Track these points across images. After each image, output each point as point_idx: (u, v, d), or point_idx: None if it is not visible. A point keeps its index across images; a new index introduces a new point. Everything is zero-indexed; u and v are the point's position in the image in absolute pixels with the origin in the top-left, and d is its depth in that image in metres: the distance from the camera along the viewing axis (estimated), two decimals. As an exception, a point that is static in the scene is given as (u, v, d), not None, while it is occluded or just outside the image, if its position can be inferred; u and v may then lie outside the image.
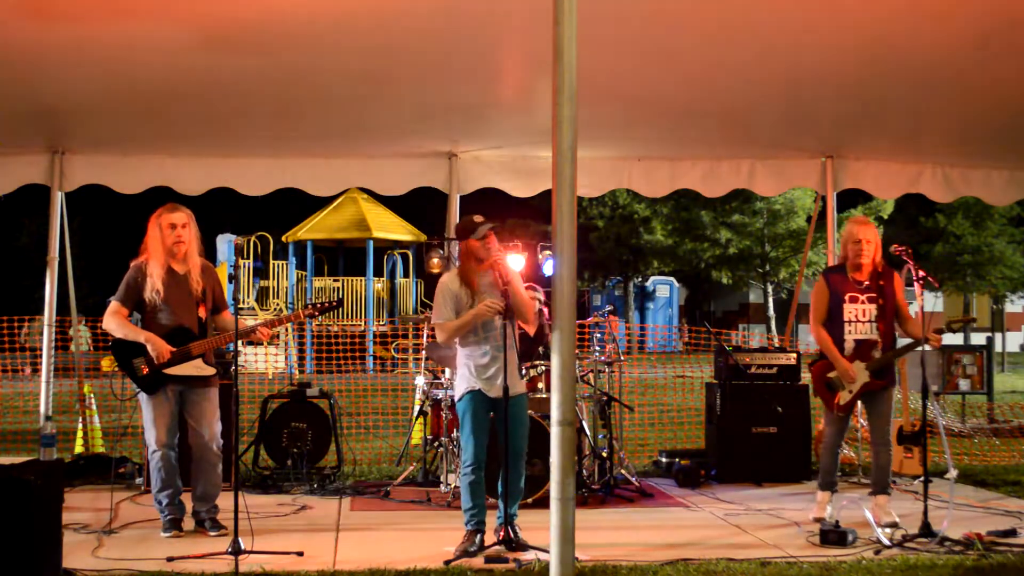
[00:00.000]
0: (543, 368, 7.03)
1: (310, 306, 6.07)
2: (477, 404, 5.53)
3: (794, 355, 8.06)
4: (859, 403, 6.51)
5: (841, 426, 6.42)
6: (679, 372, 14.44)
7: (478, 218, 5.57)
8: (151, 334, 5.80)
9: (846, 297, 6.31)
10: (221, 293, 6.16)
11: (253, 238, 22.75)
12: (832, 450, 6.44)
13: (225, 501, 5.74)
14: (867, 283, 6.29)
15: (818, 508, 6.35)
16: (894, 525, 5.89)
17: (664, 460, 8.15)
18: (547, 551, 4.24)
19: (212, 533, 5.82)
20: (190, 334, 5.91)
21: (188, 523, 5.95)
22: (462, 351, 5.63)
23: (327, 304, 6.13)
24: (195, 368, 5.88)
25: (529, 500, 6.42)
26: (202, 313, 5.97)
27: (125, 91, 6.44)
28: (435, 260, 7.71)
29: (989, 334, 29.17)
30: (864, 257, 6.28)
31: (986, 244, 27.83)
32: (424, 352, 7.75)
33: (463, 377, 5.59)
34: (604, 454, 7.29)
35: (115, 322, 5.88)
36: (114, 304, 5.91)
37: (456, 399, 5.65)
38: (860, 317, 6.29)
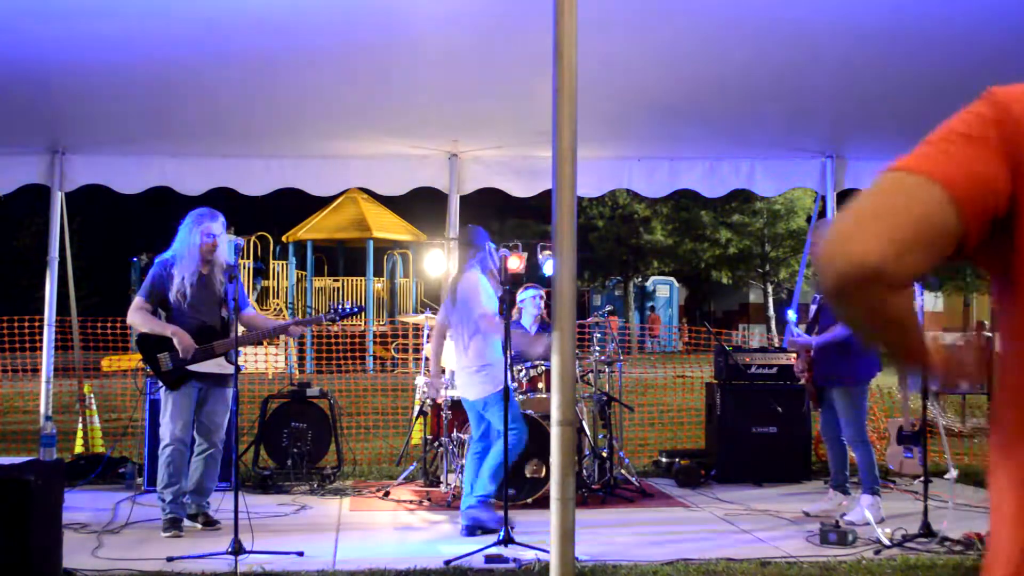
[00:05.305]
0: (543, 368, 7.04)
1: (333, 311, 6.13)
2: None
3: (794, 355, 8.05)
4: None
5: (823, 419, 6.63)
6: (679, 372, 14.42)
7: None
8: (177, 328, 5.85)
9: (817, 297, 6.61)
10: (243, 291, 6.21)
11: (253, 238, 22.74)
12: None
13: (225, 501, 5.75)
14: None
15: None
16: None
17: (664, 460, 8.15)
18: (547, 551, 4.24)
19: (204, 527, 5.90)
20: (214, 332, 5.95)
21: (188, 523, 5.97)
22: (495, 348, 5.88)
23: (349, 310, 6.22)
24: (217, 366, 5.93)
25: (529, 500, 6.43)
26: (224, 312, 6.02)
27: (125, 91, 6.44)
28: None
29: (989, 334, 29.14)
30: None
31: (986, 244, 27.81)
32: (424, 353, 7.74)
33: (501, 372, 5.73)
34: (604, 454, 7.29)
35: (140, 317, 5.93)
36: (138, 299, 5.97)
37: (500, 389, 5.73)
38: (810, 317, 6.52)
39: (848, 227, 1.28)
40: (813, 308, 6.52)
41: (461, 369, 6.04)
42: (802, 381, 6.65)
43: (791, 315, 6.55)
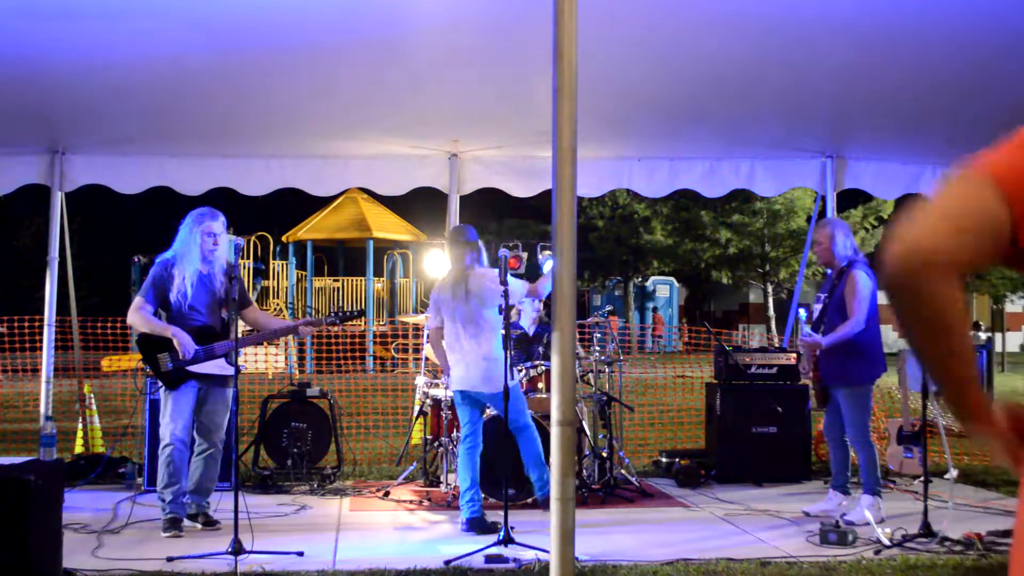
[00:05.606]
0: (543, 368, 7.03)
1: (334, 315, 6.14)
2: None
3: (794, 355, 8.05)
4: None
5: (827, 419, 6.59)
6: (679, 372, 14.43)
7: None
8: (177, 329, 5.85)
9: (821, 296, 6.54)
10: (243, 289, 6.20)
11: (253, 238, 22.75)
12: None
13: (225, 501, 5.75)
14: (831, 283, 6.44)
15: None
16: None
17: (664, 460, 8.15)
18: (547, 551, 4.24)
19: (204, 527, 5.91)
20: (214, 333, 5.94)
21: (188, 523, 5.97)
22: (499, 342, 5.92)
23: (350, 313, 6.26)
24: (217, 366, 5.92)
25: (529, 500, 6.43)
26: (224, 312, 6.01)
27: (125, 91, 6.44)
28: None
29: (989, 334, 29.17)
30: (818, 259, 6.57)
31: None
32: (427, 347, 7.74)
33: (514, 364, 5.83)
34: (604, 454, 7.29)
35: (140, 317, 5.93)
36: (138, 300, 5.96)
37: (514, 382, 5.78)
38: (814, 317, 6.47)
39: (918, 219, 1.47)
40: (817, 308, 6.52)
41: (476, 360, 5.99)
42: (806, 380, 6.65)
43: (802, 313, 6.55)
